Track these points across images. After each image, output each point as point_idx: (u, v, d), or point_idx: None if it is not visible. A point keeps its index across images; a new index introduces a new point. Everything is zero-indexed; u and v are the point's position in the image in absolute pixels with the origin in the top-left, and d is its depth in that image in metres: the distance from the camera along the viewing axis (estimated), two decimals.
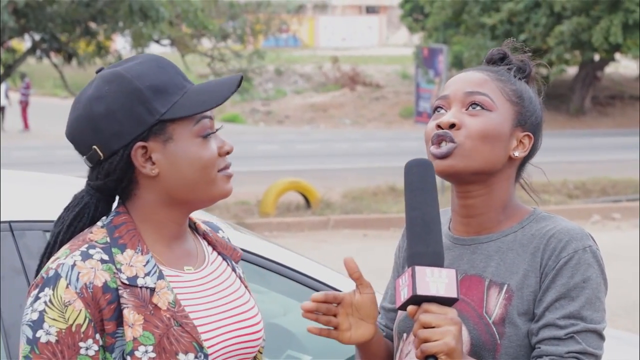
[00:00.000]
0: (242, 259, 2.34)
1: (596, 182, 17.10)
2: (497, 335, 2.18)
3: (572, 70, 32.33)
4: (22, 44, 22.91)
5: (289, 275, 3.33)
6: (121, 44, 22.62)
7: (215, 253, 2.24)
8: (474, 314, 2.20)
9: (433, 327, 2.02)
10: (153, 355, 2.01)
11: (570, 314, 2.14)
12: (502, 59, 2.36)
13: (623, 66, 35.71)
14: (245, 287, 2.26)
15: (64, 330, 1.98)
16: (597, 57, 30.50)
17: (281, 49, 39.07)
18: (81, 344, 1.99)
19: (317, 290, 3.30)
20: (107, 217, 2.12)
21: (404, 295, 2.05)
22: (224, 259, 2.25)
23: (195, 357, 2.04)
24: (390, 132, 29.38)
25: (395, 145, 24.26)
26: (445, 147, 2.22)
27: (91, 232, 2.08)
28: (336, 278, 3.38)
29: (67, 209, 2.14)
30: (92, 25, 18.30)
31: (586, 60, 30.44)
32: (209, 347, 2.07)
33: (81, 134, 2.08)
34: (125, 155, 2.06)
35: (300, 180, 15.00)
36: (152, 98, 2.06)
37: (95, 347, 2.00)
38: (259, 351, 2.24)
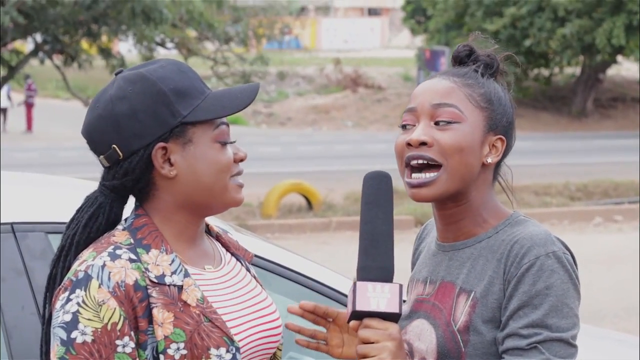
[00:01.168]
0: None
1: (598, 184, 17.10)
2: (461, 343, 2.15)
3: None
4: (25, 45, 22.93)
5: (291, 277, 3.32)
6: (127, 47, 22.60)
7: (229, 254, 2.28)
8: (443, 321, 2.18)
9: (372, 343, 2.02)
10: (185, 352, 2.04)
11: (533, 322, 2.09)
12: (468, 55, 2.28)
13: (625, 68, 35.69)
14: (261, 286, 2.30)
15: (99, 330, 2.00)
16: (598, 59, 30.50)
17: (283, 51, 39.07)
18: (118, 342, 2.01)
19: (320, 292, 3.30)
20: (126, 220, 2.15)
21: (348, 310, 2.07)
22: (237, 259, 2.29)
23: (227, 351, 2.07)
24: (392, 134, 29.36)
25: None
26: (421, 177, 2.18)
27: (114, 236, 2.11)
28: (338, 280, 3.38)
29: (80, 210, 2.16)
30: (95, 27, 18.31)
31: (590, 63, 30.42)
32: (238, 342, 2.10)
33: (101, 133, 2.11)
34: (145, 156, 2.10)
35: (302, 182, 15.01)
36: (175, 101, 2.10)
37: (132, 345, 2.02)
38: (278, 348, 2.28)
